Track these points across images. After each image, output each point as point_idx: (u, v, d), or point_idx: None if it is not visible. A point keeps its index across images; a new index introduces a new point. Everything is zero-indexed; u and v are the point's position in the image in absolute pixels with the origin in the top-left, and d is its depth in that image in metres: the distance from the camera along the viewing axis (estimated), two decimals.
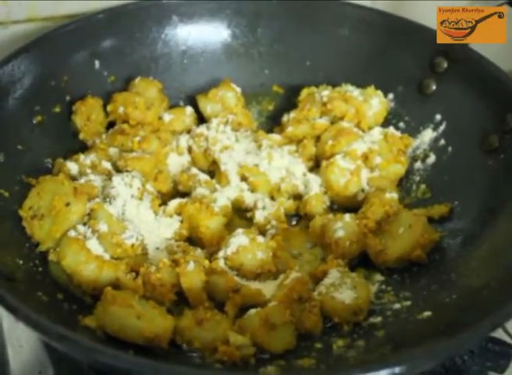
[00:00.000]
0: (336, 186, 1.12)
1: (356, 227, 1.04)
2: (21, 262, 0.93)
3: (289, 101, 1.28)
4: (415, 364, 0.74)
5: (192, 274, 0.96)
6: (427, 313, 0.92)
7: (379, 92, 1.20)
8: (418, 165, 1.16)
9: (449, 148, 1.13)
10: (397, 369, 0.72)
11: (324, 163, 1.14)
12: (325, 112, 1.20)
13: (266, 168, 1.15)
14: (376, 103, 1.18)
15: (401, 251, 1.01)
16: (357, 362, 0.86)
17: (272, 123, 1.30)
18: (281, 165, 1.16)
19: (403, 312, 0.95)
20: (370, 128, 1.19)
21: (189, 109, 1.24)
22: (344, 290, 0.96)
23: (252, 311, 0.92)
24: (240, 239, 1.01)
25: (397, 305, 0.97)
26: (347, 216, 1.06)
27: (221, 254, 1.00)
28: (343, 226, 1.04)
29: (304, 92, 1.24)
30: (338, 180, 1.12)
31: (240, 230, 1.03)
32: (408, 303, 0.97)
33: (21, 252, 0.94)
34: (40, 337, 0.92)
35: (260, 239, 1.02)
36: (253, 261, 1.00)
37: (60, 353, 0.91)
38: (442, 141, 1.14)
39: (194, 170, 1.16)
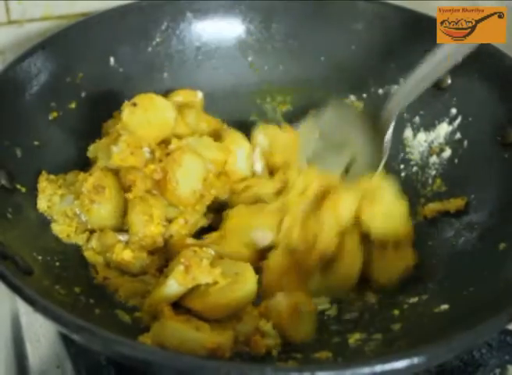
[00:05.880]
0: None
1: None
2: (39, 256, 0.93)
3: (303, 98, 1.28)
4: (434, 355, 0.74)
5: None
6: (444, 306, 0.91)
7: None
8: (434, 159, 1.16)
9: (465, 142, 1.12)
10: (416, 360, 0.71)
11: None
12: None
13: None
14: None
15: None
16: (375, 355, 0.86)
17: (285, 120, 1.29)
18: None
19: (420, 306, 0.95)
20: None
21: None
22: None
23: (280, 295, 0.93)
24: None
25: (414, 299, 0.97)
26: None
27: None
28: None
29: None
30: None
31: None
32: (425, 296, 0.96)
33: (38, 246, 0.95)
34: (59, 329, 0.92)
35: None
36: None
37: (78, 347, 0.91)
38: (458, 135, 1.13)
39: None
